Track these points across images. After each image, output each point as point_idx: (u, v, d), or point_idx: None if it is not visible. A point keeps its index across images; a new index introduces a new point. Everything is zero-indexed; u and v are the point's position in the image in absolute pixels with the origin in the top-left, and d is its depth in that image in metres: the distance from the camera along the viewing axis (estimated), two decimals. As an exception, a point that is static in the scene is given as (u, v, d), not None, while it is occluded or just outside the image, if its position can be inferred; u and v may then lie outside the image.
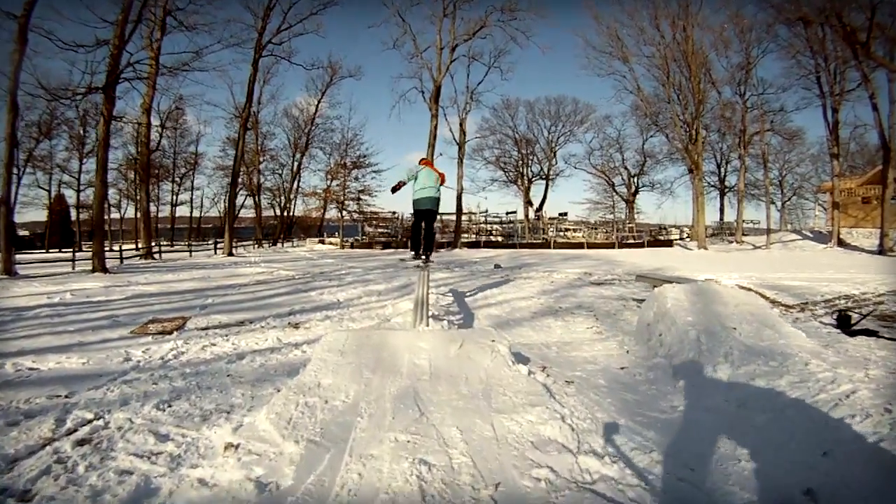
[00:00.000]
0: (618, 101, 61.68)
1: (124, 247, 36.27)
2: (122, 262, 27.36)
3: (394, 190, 11.10)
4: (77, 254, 26.04)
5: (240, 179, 58.93)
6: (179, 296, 13.30)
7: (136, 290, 14.15)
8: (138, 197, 39.09)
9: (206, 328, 9.23)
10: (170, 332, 8.77)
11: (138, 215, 39.72)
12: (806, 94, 42.50)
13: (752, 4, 41.87)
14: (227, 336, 8.57)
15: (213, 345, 7.97)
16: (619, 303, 12.82)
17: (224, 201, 63.78)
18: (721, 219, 58.67)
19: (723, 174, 60.11)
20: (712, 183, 58.02)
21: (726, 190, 59.79)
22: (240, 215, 63.33)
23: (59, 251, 40.97)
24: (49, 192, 53.58)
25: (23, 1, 19.62)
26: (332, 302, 12.54)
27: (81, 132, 51.40)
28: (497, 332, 6.36)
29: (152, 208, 61.15)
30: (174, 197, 62.82)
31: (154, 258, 31.43)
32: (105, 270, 21.05)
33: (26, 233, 58.96)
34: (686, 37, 43.22)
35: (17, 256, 21.15)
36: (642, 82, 47.57)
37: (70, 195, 56.33)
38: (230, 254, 33.70)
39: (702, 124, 45.28)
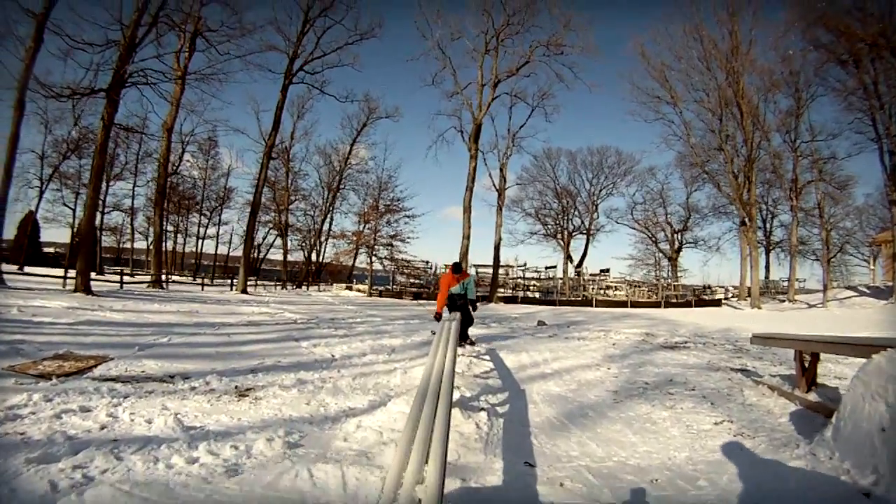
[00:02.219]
0: (665, 149, 57.89)
1: (142, 276, 34.91)
2: (121, 286, 25.43)
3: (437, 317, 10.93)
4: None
5: (268, 217, 56.54)
6: (137, 329, 11.36)
7: (97, 317, 12.71)
8: (151, 221, 35.69)
9: (114, 378, 6.75)
10: (58, 376, 6.52)
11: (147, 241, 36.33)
12: (859, 139, 38.26)
13: (802, 44, 38.10)
14: (124, 398, 5.80)
15: (87, 410, 5.26)
16: (719, 376, 9.23)
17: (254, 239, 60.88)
18: (766, 276, 53.71)
19: (769, 229, 55.10)
20: (758, 239, 53.13)
21: (772, 246, 54.83)
22: (268, 256, 60.83)
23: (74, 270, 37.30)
24: (74, 210, 50.37)
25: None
26: (322, 358, 9.40)
27: (111, 153, 47.99)
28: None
29: (179, 240, 59.35)
30: (201, 230, 60.05)
31: (161, 287, 29.05)
32: (88, 292, 19.53)
33: (52, 250, 56.21)
34: (736, 79, 39.50)
35: (29, 269, 21.91)
36: (690, 128, 44.07)
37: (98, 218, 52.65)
38: (244, 291, 31.03)
39: (755, 172, 40.98)
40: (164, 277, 31.30)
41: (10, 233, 46.12)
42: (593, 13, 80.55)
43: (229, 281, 37.44)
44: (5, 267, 27.24)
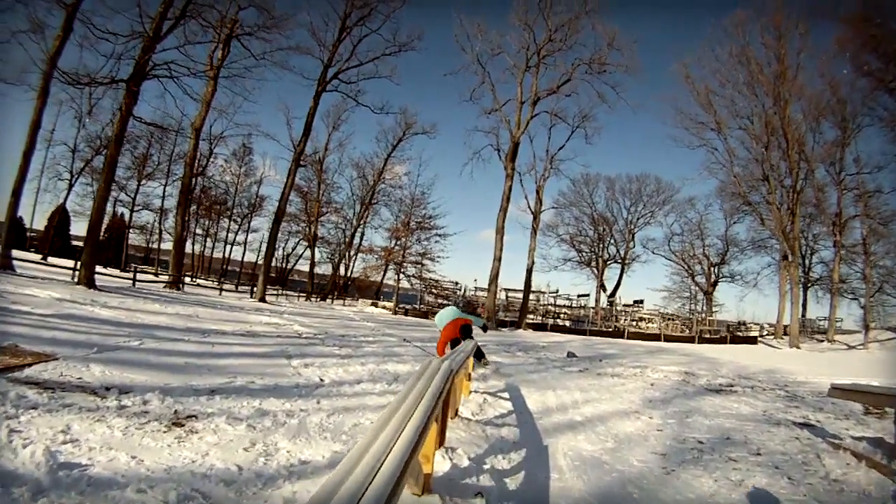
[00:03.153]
0: (706, 178, 55.47)
1: (164, 276, 33.58)
2: (133, 283, 24.46)
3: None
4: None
5: (298, 228, 55.49)
6: (115, 328, 10.19)
7: (80, 311, 11.67)
8: (175, 221, 34.57)
9: (39, 383, 5.62)
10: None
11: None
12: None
13: (851, 70, 36.12)
14: (26, 409, 4.71)
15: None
16: (784, 434, 7.61)
17: (283, 248, 59.44)
18: (803, 315, 50.76)
19: (808, 265, 52.12)
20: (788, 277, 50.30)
21: (811, 283, 51.86)
22: (298, 267, 59.82)
23: (105, 268, 37.13)
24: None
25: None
26: (306, 382, 7.78)
27: (145, 152, 48.40)
28: None
29: (208, 244, 58.46)
30: (230, 236, 59.03)
31: (178, 289, 27.75)
32: (91, 286, 18.39)
33: (80, 243, 54.40)
34: (783, 105, 37.74)
35: (52, 260, 22.06)
36: (734, 156, 42.48)
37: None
38: (262, 300, 29.54)
39: (800, 204, 38.88)
40: (182, 279, 30.22)
41: (40, 224, 46.78)
42: (637, 32, 77.85)
43: (252, 288, 35.72)
44: (27, 255, 27.64)
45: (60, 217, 47.17)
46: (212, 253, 59.56)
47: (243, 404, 5.90)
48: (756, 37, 39.56)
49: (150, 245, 56.13)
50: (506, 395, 8.75)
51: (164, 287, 27.42)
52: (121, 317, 11.97)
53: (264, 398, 6.28)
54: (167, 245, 53.25)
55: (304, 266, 59.08)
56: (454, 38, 41.14)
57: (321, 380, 8.05)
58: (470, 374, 7.96)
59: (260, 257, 57.51)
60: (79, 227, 52.53)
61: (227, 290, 35.55)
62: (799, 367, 19.73)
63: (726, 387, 12.65)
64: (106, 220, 49.90)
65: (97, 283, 18.93)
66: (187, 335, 10.78)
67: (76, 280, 18.83)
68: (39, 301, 12.00)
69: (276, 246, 59.84)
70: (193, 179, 35.63)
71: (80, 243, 54.22)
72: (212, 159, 50.96)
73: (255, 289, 33.17)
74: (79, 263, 19.92)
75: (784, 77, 37.71)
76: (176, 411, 5.28)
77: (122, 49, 20.80)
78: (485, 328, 11.44)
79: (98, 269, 20.98)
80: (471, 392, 8.12)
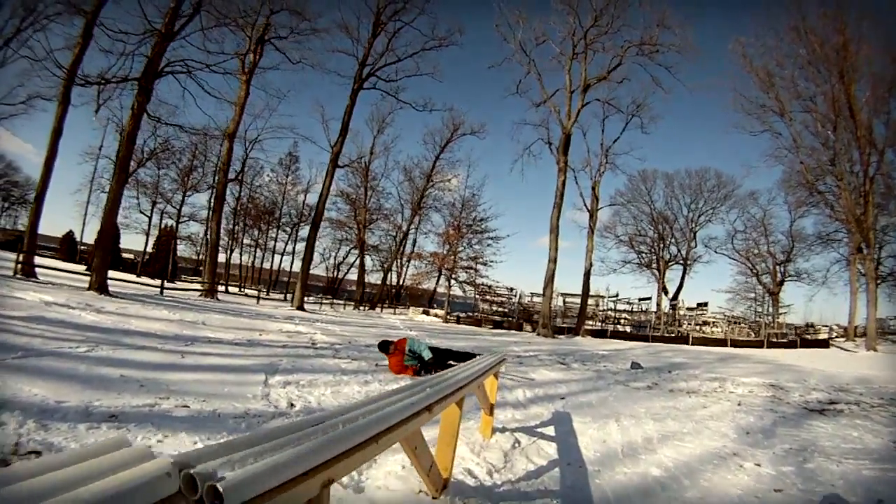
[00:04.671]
0: (769, 167, 51.38)
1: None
2: (161, 292, 23.39)
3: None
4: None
5: (347, 236, 53.96)
6: (85, 333, 9.01)
7: (63, 316, 10.69)
8: (209, 229, 33.45)
9: None
10: None
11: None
12: None
13: None
14: None
15: None
16: None
17: (334, 257, 57.98)
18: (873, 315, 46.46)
19: (877, 259, 47.50)
20: (862, 272, 45.62)
21: (881, 280, 47.08)
22: (351, 276, 58.21)
23: (151, 279, 36.95)
24: (150, 218, 49.79)
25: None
26: (263, 409, 5.80)
27: (191, 165, 48.07)
28: None
29: (258, 254, 57.38)
30: (280, 245, 58.36)
31: (213, 297, 26.88)
32: (103, 291, 17.60)
33: (131, 256, 54.72)
34: (847, 83, 34.03)
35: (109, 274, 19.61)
36: (800, 139, 38.43)
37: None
38: (300, 307, 28.28)
39: (875, 191, 35.23)
40: (216, 287, 29.21)
41: (90, 237, 45.99)
42: (689, 9, 73.59)
43: (296, 297, 34.39)
44: (73, 267, 27.68)
45: (111, 230, 46.49)
46: (261, 263, 58.74)
47: (137, 438, 4.27)
48: (813, 6, 36.14)
49: (199, 256, 55.52)
50: (550, 429, 6.29)
51: (200, 296, 26.62)
52: (105, 322, 10.89)
53: (178, 431, 4.56)
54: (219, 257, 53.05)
55: (356, 275, 57.69)
56: (495, 28, 38.55)
57: (291, 405, 6.16)
58: (492, 406, 5.46)
59: (312, 267, 56.37)
60: (128, 240, 52.54)
61: (267, 299, 34.78)
62: (892, 374, 17.80)
63: (827, 405, 10.37)
64: (154, 233, 50.09)
65: (110, 290, 18.15)
66: (165, 343, 9.44)
67: (88, 286, 17.76)
68: (23, 304, 11.23)
69: (328, 255, 59.46)
70: (228, 186, 34.19)
71: (131, 256, 55.06)
72: (250, 164, 50.34)
73: (292, 297, 32.11)
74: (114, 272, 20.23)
75: (847, 50, 34.23)
76: (17, 443, 3.79)
77: (135, 48, 20.22)
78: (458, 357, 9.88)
79: (129, 278, 21.58)
80: (493, 432, 5.60)
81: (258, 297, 33.16)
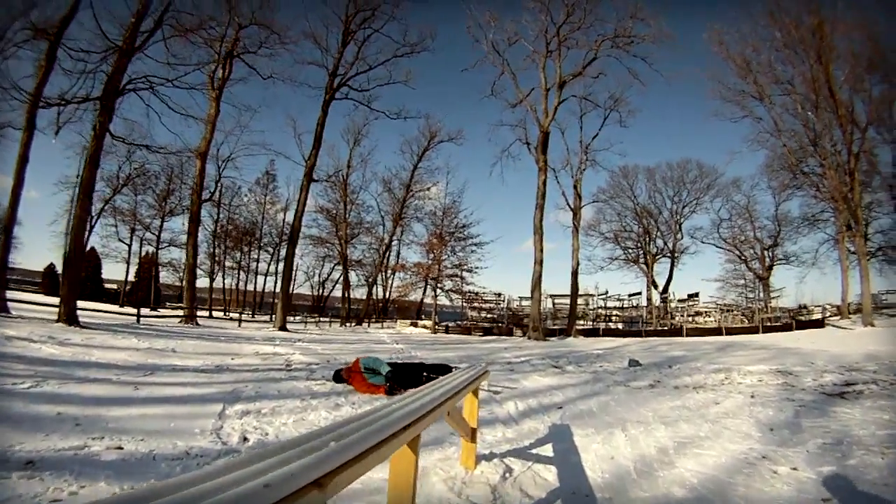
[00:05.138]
0: (751, 151, 51.08)
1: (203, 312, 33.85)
2: (138, 320, 22.62)
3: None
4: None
5: (330, 252, 53.03)
6: (37, 367, 8.45)
7: (19, 350, 10.20)
8: (185, 253, 32.71)
9: None
10: None
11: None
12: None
13: (890, 17, 32.40)
14: None
15: None
16: None
17: (318, 275, 57.01)
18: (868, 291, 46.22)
19: (866, 234, 47.33)
20: (852, 249, 45.36)
21: (870, 256, 46.76)
22: (338, 293, 57.32)
23: (134, 307, 35.46)
24: (129, 246, 49.10)
25: (56, 19, 19.10)
26: (209, 447, 5.07)
27: (167, 190, 47.17)
28: None
29: (242, 276, 56.49)
30: (261, 266, 57.17)
31: (193, 323, 26.37)
32: (73, 322, 16.97)
33: (114, 286, 53.53)
34: (825, 64, 33.81)
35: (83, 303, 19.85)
36: (781, 121, 38.11)
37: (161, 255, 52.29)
38: (283, 328, 27.51)
39: (859, 167, 34.71)
40: (196, 312, 28.63)
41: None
42: (661, 1, 72.97)
43: (277, 318, 33.59)
44: (51, 300, 26.23)
45: (92, 261, 46.80)
46: (245, 286, 57.43)
47: (49, 490, 3.69)
48: (785, -4, 35.82)
49: (182, 282, 54.73)
50: (548, 448, 5.39)
51: (180, 322, 25.99)
52: (64, 355, 10.33)
53: (99, 479, 3.94)
54: (202, 283, 52.08)
55: (353, 293, 56.81)
56: (466, 31, 37.97)
57: (244, 439, 5.46)
58: (474, 431, 4.49)
59: (296, 287, 55.65)
60: (112, 270, 51.52)
61: (251, 321, 34.23)
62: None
63: (844, 387, 9.67)
64: (136, 261, 49.01)
65: (81, 321, 17.45)
66: (122, 374, 8.81)
67: (56, 318, 17.20)
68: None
69: (312, 273, 58.49)
70: (202, 207, 33.60)
71: (114, 286, 53.91)
72: (227, 185, 49.35)
73: (273, 317, 31.72)
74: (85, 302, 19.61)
75: (822, 31, 33.99)
76: None
77: (96, 66, 19.76)
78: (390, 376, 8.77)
79: (110, 308, 21.65)
80: (478, 461, 4.65)
81: (240, 320, 32.38)
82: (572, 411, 7.31)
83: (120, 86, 19.44)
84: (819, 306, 47.33)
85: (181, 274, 52.59)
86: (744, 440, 5.62)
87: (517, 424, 6.40)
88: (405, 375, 8.74)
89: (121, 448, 4.68)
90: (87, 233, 42.71)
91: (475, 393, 4.80)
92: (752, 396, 8.44)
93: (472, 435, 4.46)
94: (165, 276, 53.49)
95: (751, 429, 6.14)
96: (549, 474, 4.56)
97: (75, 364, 9.29)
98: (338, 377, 8.90)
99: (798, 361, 14.40)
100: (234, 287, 57.59)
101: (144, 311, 24.65)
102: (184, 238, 47.94)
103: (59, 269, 45.04)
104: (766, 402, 7.86)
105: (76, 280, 19.31)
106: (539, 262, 34.15)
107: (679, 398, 8.37)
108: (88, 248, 45.55)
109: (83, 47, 19.49)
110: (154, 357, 11.44)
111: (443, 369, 9.22)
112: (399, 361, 9.98)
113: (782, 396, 8.48)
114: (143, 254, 50.69)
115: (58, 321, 16.74)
